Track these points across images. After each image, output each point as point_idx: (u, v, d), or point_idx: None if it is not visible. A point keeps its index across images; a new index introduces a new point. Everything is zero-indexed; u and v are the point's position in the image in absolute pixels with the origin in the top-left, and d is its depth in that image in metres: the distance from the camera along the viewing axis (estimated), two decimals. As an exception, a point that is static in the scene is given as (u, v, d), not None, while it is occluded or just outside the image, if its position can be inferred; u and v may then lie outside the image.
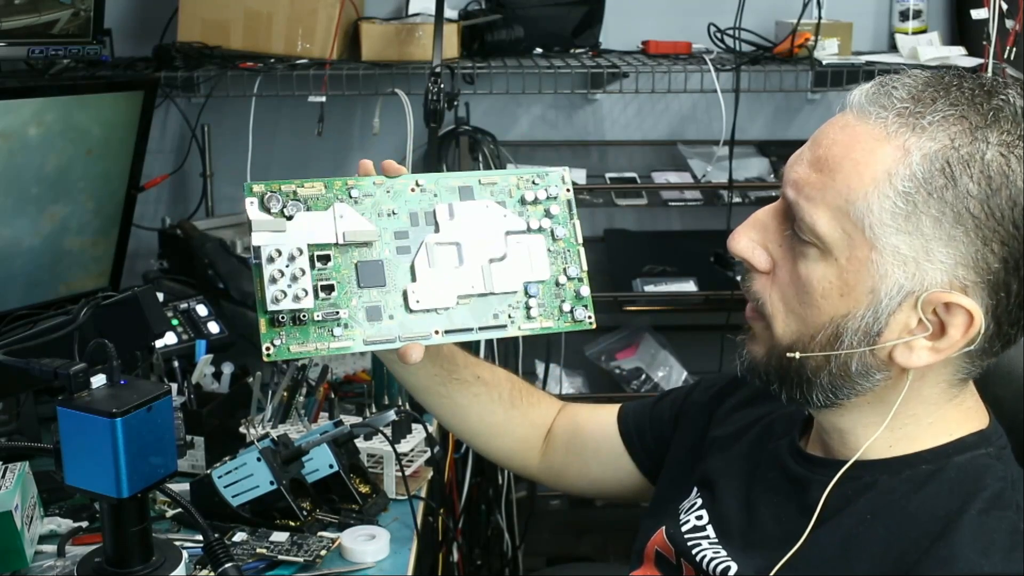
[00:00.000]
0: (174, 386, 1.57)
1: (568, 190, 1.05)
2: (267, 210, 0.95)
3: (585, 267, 1.03)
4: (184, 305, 1.86)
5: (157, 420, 0.99)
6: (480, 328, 1.00)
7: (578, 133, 2.58)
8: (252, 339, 1.86)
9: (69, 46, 1.98)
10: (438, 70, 1.92)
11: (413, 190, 1.00)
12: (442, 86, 1.92)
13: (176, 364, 1.62)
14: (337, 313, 0.95)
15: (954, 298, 0.83)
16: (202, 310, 1.87)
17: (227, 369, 1.76)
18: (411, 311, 0.98)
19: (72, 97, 1.78)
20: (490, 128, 2.41)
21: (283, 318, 0.93)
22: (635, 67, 2.23)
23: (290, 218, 0.95)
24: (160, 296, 1.66)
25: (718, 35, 2.26)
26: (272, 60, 2.19)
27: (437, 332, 0.98)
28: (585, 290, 1.03)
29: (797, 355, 0.89)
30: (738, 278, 0.96)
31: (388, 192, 1.00)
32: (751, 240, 0.93)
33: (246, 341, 1.87)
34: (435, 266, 0.99)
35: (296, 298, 0.93)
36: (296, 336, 0.94)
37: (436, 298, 0.98)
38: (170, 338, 1.76)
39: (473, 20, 2.30)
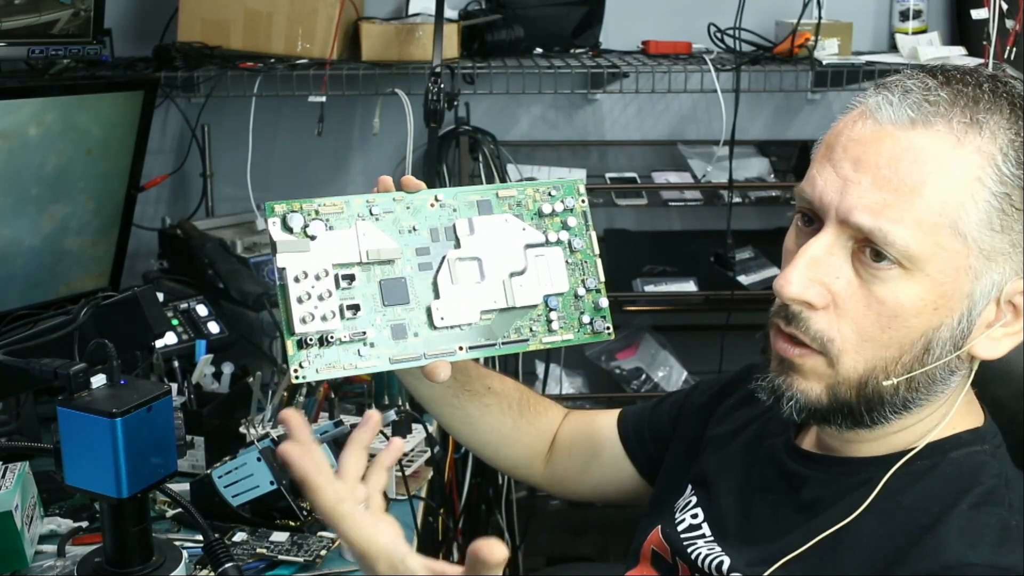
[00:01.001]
0: (174, 386, 1.57)
1: (583, 201, 1.05)
2: (289, 230, 0.94)
3: (603, 278, 1.03)
4: (184, 305, 1.86)
5: (157, 420, 0.99)
6: (503, 343, 1.00)
7: (578, 133, 2.58)
8: (252, 339, 1.87)
9: (69, 46, 1.98)
10: (438, 70, 1.92)
11: (432, 205, 1.00)
12: (442, 86, 1.92)
13: (176, 364, 1.62)
14: (364, 333, 0.95)
15: None
16: (202, 310, 1.87)
17: (227, 369, 1.76)
18: (435, 328, 0.97)
19: (72, 97, 1.78)
20: (490, 128, 2.41)
21: (311, 340, 0.93)
22: (635, 67, 2.23)
23: (313, 238, 0.94)
24: (160, 296, 1.66)
25: (718, 35, 2.26)
26: (272, 60, 2.19)
27: (461, 348, 0.98)
28: (603, 301, 1.03)
29: (893, 381, 0.87)
30: (787, 327, 0.89)
31: (408, 208, 0.99)
32: (806, 279, 0.86)
33: (246, 341, 1.87)
34: (458, 282, 0.98)
35: (324, 319, 0.93)
36: (323, 357, 0.94)
37: (460, 314, 0.98)
38: (170, 338, 1.76)
39: (473, 20, 2.30)
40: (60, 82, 2.02)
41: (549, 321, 1.01)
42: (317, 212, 0.96)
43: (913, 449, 0.90)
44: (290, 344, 0.93)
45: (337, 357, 0.94)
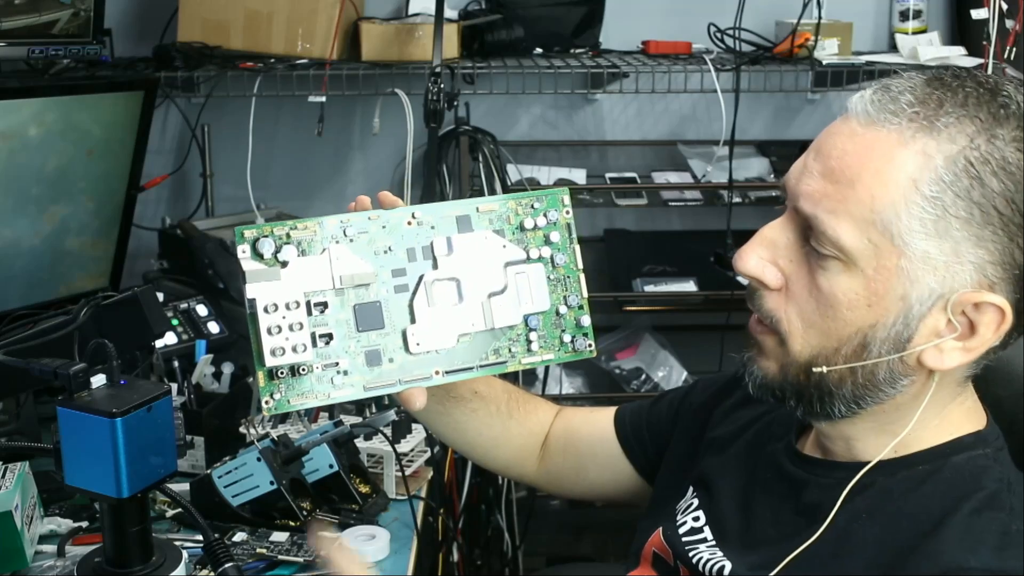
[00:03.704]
0: (174, 386, 1.57)
1: (568, 212, 1.01)
2: (260, 256, 0.91)
3: (586, 294, 1.00)
4: (184, 305, 1.86)
5: (157, 420, 0.99)
6: (481, 366, 0.97)
7: (578, 133, 2.58)
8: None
9: (69, 46, 1.98)
10: (438, 70, 1.92)
11: (409, 223, 0.97)
12: (442, 86, 1.92)
13: (176, 364, 1.62)
14: (337, 362, 0.93)
15: (985, 297, 0.83)
16: (202, 310, 1.87)
17: (227, 369, 1.76)
18: (411, 353, 0.95)
19: (72, 97, 1.78)
20: (490, 128, 2.40)
21: (282, 372, 0.91)
22: (635, 67, 2.23)
23: (284, 264, 0.92)
24: (160, 296, 1.66)
25: (718, 35, 2.26)
26: (272, 60, 2.19)
27: (437, 372, 0.96)
28: (586, 319, 1.00)
29: (824, 369, 0.88)
30: (750, 304, 0.93)
31: (384, 227, 0.96)
32: (760, 258, 0.90)
33: (246, 341, 1.87)
34: (434, 305, 0.96)
35: (295, 350, 0.90)
36: (295, 388, 0.92)
37: (436, 339, 0.95)
38: (170, 338, 1.76)
39: (473, 20, 2.30)
40: (60, 82, 2.02)
41: (529, 341, 0.98)
42: (288, 236, 0.92)
43: (896, 457, 0.90)
44: (261, 375, 0.91)
45: (310, 387, 0.92)
